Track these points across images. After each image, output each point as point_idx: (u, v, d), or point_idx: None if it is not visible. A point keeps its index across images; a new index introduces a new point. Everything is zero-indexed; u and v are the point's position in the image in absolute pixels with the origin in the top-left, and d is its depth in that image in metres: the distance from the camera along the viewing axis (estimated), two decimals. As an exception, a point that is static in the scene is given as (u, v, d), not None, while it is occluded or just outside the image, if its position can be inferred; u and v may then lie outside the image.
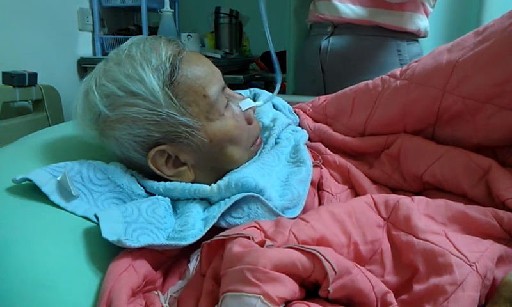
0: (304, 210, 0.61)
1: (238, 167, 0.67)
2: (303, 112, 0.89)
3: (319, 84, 1.31)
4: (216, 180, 0.63)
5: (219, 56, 1.93)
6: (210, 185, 0.62)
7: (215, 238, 0.49)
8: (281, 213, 0.59)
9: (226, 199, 0.59)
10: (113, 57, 0.64)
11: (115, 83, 0.61)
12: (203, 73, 0.64)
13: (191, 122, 0.62)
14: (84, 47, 2.01)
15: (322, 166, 0.74)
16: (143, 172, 0.65)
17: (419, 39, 1.28)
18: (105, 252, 0.53)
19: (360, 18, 1.19)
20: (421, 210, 0.55)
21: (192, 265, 0.55)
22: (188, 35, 1.76)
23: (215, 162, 0.66)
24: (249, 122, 0.69)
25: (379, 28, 1.19)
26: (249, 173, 0.61)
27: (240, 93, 0.73)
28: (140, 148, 0.63)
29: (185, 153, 0.64)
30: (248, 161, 0.69)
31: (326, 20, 1.26)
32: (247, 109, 0.69)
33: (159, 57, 0.62)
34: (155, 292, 0.51)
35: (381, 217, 0.56)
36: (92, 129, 0.64)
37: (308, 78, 1.35)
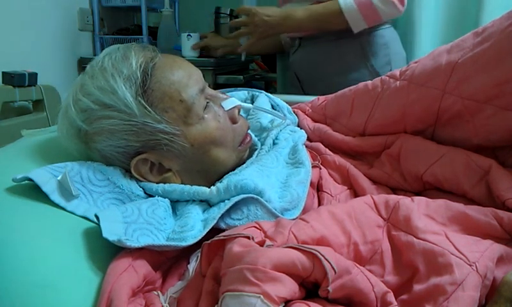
0: (304, 212, 0.61)
1: (226, 168, 0.67)
2: (302, 112, 0.89)
3: (301, 93, 1.37)
4: (205, 182, 0.64)
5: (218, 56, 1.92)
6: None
7: (215, 238, 0.49)
8: (280, 215, 0.59)
9: (225, 201, 0.59)
10: (88, 70, 0.64)
11: (89, 97, 0.61)
12: (178, 77, 0.63)
13: (168, 129, 0.62)
14: (84, 46, 2.01)
15: (321, 167, 0.73)
16: None
17: (391, 24, 1.30)
18: (105, 252, 0.53)
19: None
20: (421, 210, 0.55)
21: (192, 265, 0.55)
22: (188, 35, 1.75)
23: (201, 165, 0.66)
24: (234, 121, 0.68)
25: (336, 32, 1.23)
26: (248, 175, 0.61)
27: (225, 93, 0.72)
28: (123, 157, 0.63)
29: (168, 159, 0.64)
30: (236, 161, 0.69)
31: (293, 36, 1.35)
32: (230, 109, 0.68)
33: (130, 66, 0.62)
34: (155, 292, 0.51)
35: (381, 217, 0.56)
36: (76, 144, 0.64)
37: (296, 88, 1.42)
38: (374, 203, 0.58)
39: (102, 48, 2.02)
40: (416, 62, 0.74)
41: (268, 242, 0.48)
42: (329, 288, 0.43)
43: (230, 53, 1.66)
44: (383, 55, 1.26)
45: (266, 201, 0.59)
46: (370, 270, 0.49)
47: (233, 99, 0.70)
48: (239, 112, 0.70)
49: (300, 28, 1.24)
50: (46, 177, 0.57)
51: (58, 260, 0.50)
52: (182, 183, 0.65)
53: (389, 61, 1.26)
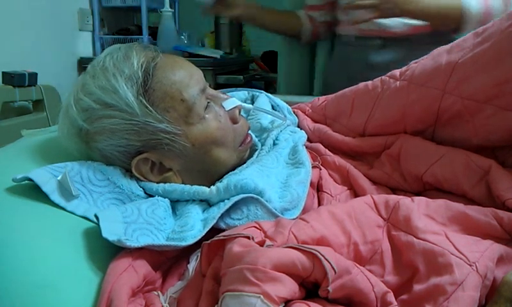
0: (304, 212, 0.61)
1: (227, 168, 0.67)
2: (302, 112, 0.89)
3: None
4: (206, 182, 0.64)
5: (218, 56, 1.92)
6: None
7: (215, 238, 0.49)
8: (280, 215, 0.59)
9: (225, 201, 0.59)
10: (90, 70, 0.64)
11: (91, 96, 0.61)
12: (179, 77, 0.63)
13: (170, 128, 0.62)
14: (84, 47, 2.02)
15: (321, 167, 0.73)
16: None
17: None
18: (105, 252, 0.53)
19: (413, 27, 1.15)
20: (421, 210, 0.55)
21: (192, 265, 0.55)
22: (188, 35, 1.75)
23: (202, 165, 0.66)
24: (235, 121, 0.69)
25: (429, 35, 1.15)
26: (249, 175, 0.61)
27: (225, 93, 0.72)
28: (124, 157, 0.63)
29: (169, 158, 0.64)
30: (236, 161, 0.69)
31: (372, 35, 1.21)
32: (231, 109, 0.68)
33: (132, 66, 0.62)
34: (155, 292, 0.51)
35: (381, 217, 0.56)
36: (77, 143, 0.64)
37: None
38: (374, 203, 0.58)
39: (102, 49, 2.03)
40: (416, 63, 0.74)
41: (268, 242, 0.48)
42: (329, 288, 0.43)
43: (246, 19, 1.42)
44: None
45: (266, 201, 0.59)
46: (370, 270, 0.49)
47: (234, 99, 0.70)
48: (239, 112, 0.70)
49: (416, 16, 1.11)
50: (46, 177, 0.57)
51: (58, 260, 0.50)
52: (182, 183, 0.65)
53: None
